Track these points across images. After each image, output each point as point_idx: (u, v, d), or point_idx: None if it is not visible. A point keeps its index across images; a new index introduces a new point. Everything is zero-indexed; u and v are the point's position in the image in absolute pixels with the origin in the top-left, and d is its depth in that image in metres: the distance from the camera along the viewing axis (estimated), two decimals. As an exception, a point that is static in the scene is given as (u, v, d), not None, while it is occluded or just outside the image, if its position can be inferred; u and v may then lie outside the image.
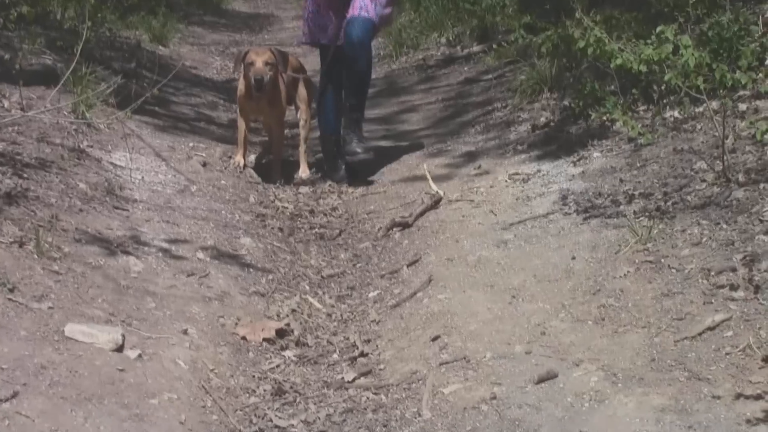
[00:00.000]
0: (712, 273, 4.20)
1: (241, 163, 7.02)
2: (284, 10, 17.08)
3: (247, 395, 4.07)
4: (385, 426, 3.76)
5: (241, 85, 7.07)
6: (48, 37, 8.52)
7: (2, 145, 5.47)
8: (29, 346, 3.64)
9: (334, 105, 7.28)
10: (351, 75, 7.03)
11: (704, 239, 4.52)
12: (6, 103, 6.30)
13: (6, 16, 7.22)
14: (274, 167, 7.13)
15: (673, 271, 4.34)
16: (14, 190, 4.88)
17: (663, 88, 6.22)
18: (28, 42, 7.89)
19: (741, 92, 5.78)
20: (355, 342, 4.58)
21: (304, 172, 7.21)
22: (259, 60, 6.79)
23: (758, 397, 3.44)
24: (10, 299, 3.91)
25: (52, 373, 3.54)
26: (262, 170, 7.14)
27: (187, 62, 11.21)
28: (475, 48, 11.01)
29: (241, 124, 7.07)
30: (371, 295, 5.15)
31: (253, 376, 4.22)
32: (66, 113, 6.42)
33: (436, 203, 6.10)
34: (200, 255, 5.13)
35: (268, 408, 3.97)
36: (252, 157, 7.32)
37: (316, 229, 6.17)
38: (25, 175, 5.16)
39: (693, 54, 5.00)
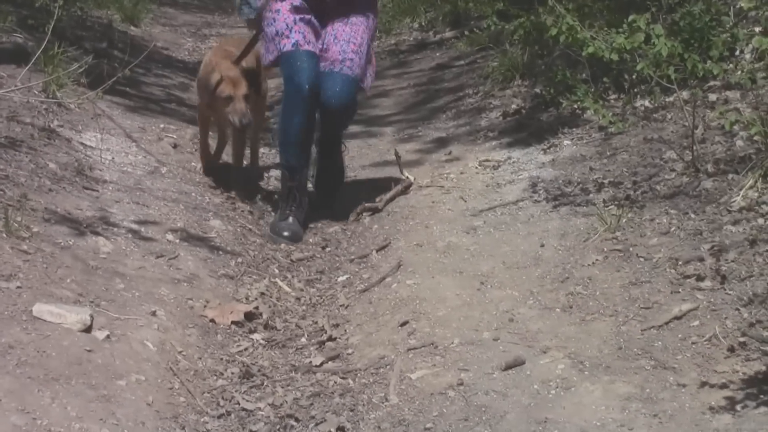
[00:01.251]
0: (680, 262, 4.23)
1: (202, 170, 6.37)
2: (257, -9, 16.99)
3: (215, 378, 4.07)
4: (352, 410, 3.76)
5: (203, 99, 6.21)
6: (19, 15, 8.45)
7: (-29, 124, 5.44)
8: (-4, 326, 3.63)
9: (301, 132, 5.75)
10: (325, 138, 6.10)
11: (672, 229, 4.55)
12: (-25, 82, 6.26)
13: (-24, -7, 7.17)
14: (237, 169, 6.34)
15: (641, 260, 4.38)
16: (-17, 169, 4.86)
17: (634, 77, 6.25)
18: (-2, 20, 7.83)
19: (711, 83, 5.81)
20: (323, 326, 4.58)
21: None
22: (239, 94, 5.81)
23: (722, 386, 3.47)
24: (-23, 278, 3.90)
25: (20, 352, 3.53)
26: (222, 174, 6.46)
27: (159, 43, 11.16)
28: (448, 34, 11.02)
29: (204, 133, 6.40)
30: (340, 279, 5.15)
31: (221, 359, 4.22)
32: (36, 92, 6.37)
33: (406, 188, 6.11)
34: (170, 237, 5.12)
35: (236, 391, 3.97)
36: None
37: (287, 212, 6.15)
38: (-6, 154, 5.13)
39: (665, 43, 5.01)
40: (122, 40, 9.85)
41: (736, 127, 4.88)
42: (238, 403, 3.87)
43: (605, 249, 4.56)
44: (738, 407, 3.35)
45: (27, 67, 5.87)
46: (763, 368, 3.49)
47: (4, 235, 4.28)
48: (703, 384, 3.51)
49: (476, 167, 6.19)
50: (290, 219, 5.74)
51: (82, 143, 6.02)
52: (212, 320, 4.48)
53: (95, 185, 5.44)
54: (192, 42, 12.09)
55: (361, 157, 7.08)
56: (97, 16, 11.13)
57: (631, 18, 5.23)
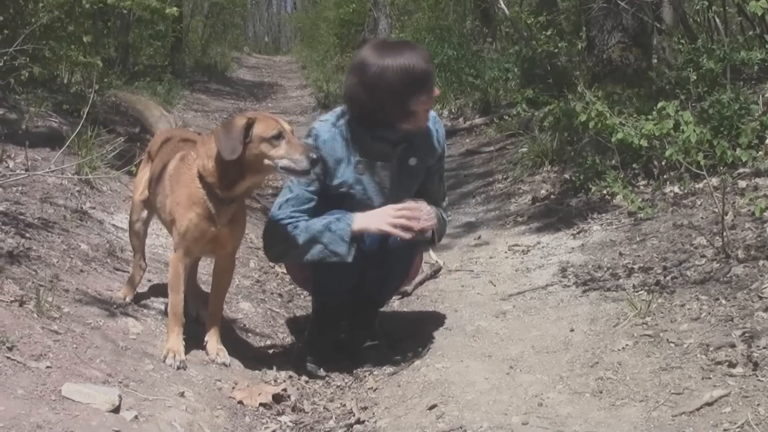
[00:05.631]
0: (711, 348, 4.19)
1: (181, 355, 4.54)
2: (288, 79, 17.26)
3: (243, 460, 4.05)
4: (380, 494, 3.74)
5: (189, 194, 4.34)
6: (54, 100, 8.60)
7: (6, 205, 5.50)
8: (26, 405, 3.63)
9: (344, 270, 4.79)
10: (383, 280, 5.04)
11: (703, 314, 4.52)
12: (11, 164, 6.34)
13: (16, 77, 7.29)
14: (213, 329, 4.81)
15: (672, 345, 4.34)
16: (16, 249, 4.90)
17: (663, 163, 6.27)
18: (34, 105, 7.97)
19: (741, 169, 5.82)
20: (351, 409, 4.56)
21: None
22: (288, 129, 4.21)
23: (755, 474, 3.43)
24: (8, 357, 3.90)
25: (48, 432, 3.53)
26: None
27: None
28: (477, 120, 11.11)
29: (180, 283, 4.56)
30: (369, 362, 5.13)
31: (249, 441, 4.21)
32: (70, 175, 6.45)
33: (435, 273, 6.12)
34: (199, 318, 5.13)
35: (264, 473, 3.95)
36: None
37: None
38: (27, 235, 5.17)
39: (694, 130, 5.03)
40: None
41: (766, 214, 4.87)
42: (266, 486, 3.85)
43: (635, 334, 4.53)
44: (771, 495, 3.31)
45: (61, 150, 5.95)
46: (797, 455, 3.45)
47: (36, 315, 4.30)
48: (736, 471, 3.47)
49: (505, 252, 6.19)
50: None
51: (113, 225, 6.07)
52: (240, 402, 4.46)
53: (126, 266, 5.48)
54: (224, 127, 12.21)
55: (390, 242, 7.09)
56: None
57: (660, 105, 5.25)
